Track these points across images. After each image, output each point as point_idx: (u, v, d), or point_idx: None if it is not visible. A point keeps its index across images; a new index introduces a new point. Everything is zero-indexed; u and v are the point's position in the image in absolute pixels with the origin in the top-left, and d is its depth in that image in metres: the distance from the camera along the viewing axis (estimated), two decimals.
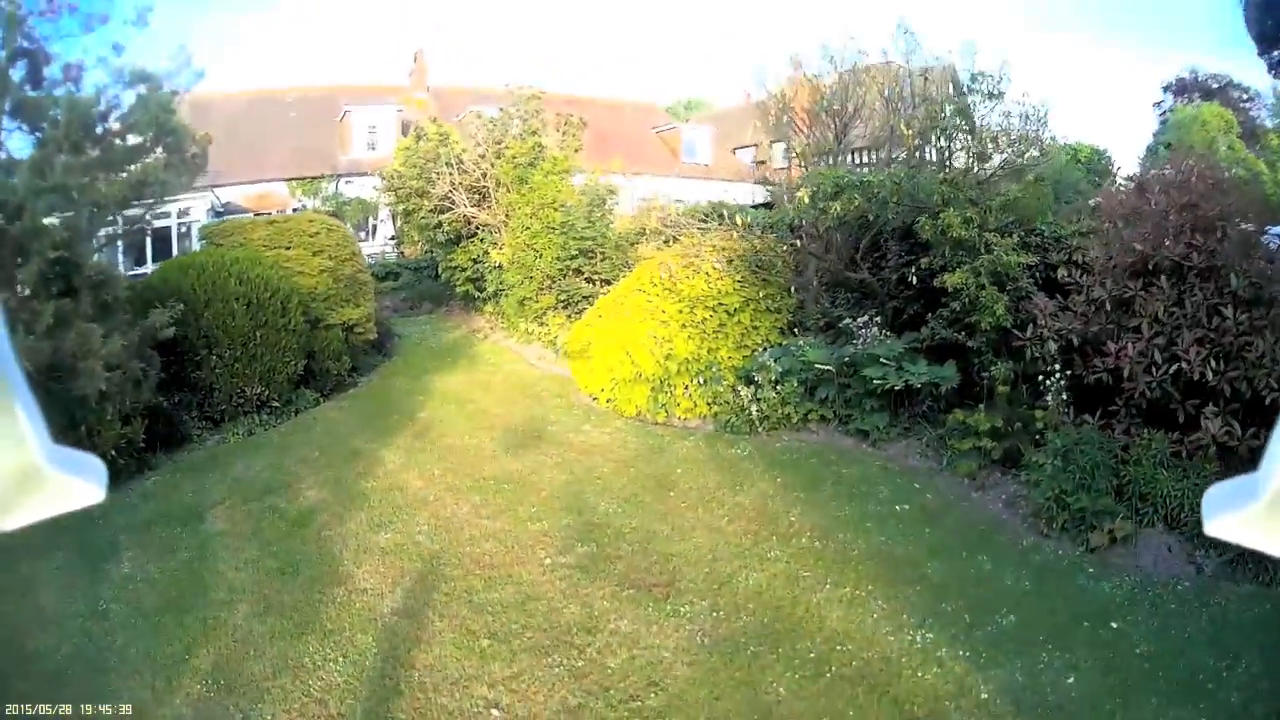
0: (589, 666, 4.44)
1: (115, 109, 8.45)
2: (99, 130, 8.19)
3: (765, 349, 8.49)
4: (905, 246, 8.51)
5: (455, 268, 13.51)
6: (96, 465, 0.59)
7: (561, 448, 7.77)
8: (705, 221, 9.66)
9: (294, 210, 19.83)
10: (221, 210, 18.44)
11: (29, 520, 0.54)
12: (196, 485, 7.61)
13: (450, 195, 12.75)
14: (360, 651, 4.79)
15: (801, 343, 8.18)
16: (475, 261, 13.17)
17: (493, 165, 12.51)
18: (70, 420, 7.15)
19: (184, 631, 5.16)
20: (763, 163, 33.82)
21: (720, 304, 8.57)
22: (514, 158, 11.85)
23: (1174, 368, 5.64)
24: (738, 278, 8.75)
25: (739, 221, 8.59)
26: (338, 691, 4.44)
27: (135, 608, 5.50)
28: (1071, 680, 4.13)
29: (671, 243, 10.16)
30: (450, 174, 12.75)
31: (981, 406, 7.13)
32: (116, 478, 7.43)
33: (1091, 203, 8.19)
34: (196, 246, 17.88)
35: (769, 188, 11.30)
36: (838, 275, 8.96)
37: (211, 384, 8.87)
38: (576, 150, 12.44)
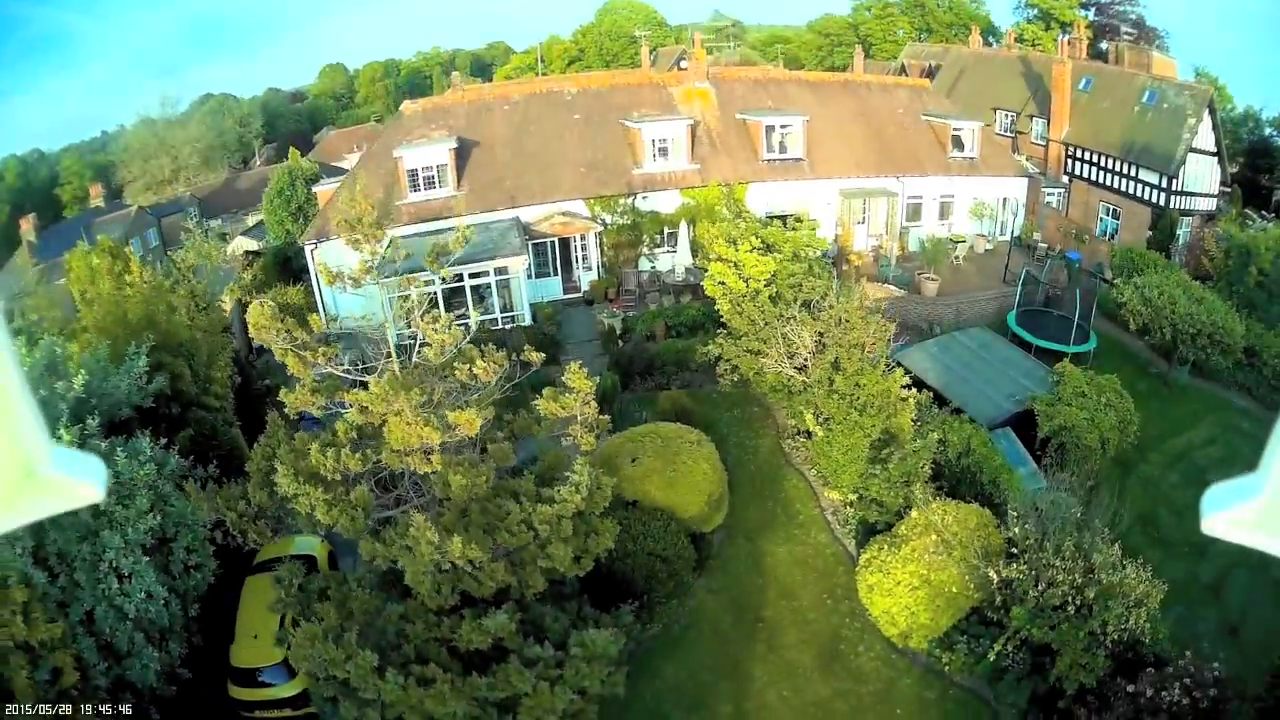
0: None
1: None
2: None
3: None
4: None
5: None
6: (96, 466, 0.59)
7: None
8: None
9: (596, 233, 22.10)
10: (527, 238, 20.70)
11: (29, 519, 0.55)
12: None
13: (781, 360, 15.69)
14: None
15: None
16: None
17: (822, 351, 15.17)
18: None
19: None
20: (1022, 133, 31.05)
21: None
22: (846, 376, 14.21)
23: None
24: None
25: None
26: None
27: None
28: None
29: None
30: (778, 345, 15.52)
31: None
32: None
33: None
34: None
35: None
36: None
37: None
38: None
